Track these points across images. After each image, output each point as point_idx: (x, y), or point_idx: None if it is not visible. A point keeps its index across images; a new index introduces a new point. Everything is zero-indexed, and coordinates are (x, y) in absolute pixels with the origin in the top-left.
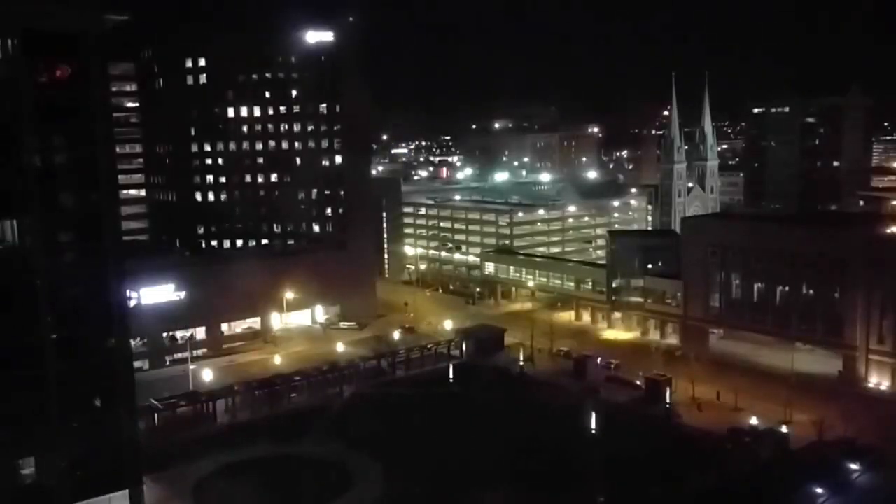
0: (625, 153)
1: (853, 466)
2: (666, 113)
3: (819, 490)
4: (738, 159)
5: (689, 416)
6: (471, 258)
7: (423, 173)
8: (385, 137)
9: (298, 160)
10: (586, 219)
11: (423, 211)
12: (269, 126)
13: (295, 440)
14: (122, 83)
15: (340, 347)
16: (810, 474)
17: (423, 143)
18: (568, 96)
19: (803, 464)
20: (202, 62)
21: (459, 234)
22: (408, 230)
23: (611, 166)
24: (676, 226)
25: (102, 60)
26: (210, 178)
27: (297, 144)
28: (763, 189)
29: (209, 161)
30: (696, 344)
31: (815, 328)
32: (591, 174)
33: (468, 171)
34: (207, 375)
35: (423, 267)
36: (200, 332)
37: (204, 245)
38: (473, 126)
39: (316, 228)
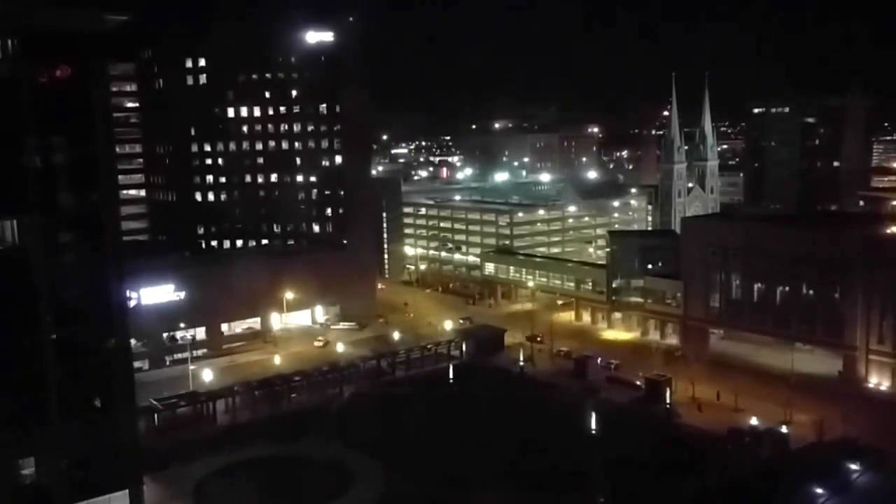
0: (625, 153)
1: (853, 466)
2: (666, 113)
3: (819, 490)
4: (738, 159)
5: (689, 416)
6: (471, 258)
7: (423, 173)
8: (385, 137)
9: (298, 160)
10: (586, 219)
11: (423, 211)
12: (269, 126)
13: (295, 440)
14: (122, 83)
15: (340, 347)
16: (810, 474)
17: (423, 143)
18: (568, 96)
19: (803, 464)
20: (202, 62)
21: (459, 234)
22: (408, 230)
23: (611, 166)
24: (676, 226)
25: (102, 60)
26: (210, 178)
27: (297, 144)
28: (763, 189)
29: (209, 161)
30: (696, 344)
31: (815, 328)
32: (591, 174)
33: (468, 171)
34: (207, 375)
35: (423, 267)
36: (200, 332)
37: (204, 245)
38: (473, 126)
39: (316, 228)
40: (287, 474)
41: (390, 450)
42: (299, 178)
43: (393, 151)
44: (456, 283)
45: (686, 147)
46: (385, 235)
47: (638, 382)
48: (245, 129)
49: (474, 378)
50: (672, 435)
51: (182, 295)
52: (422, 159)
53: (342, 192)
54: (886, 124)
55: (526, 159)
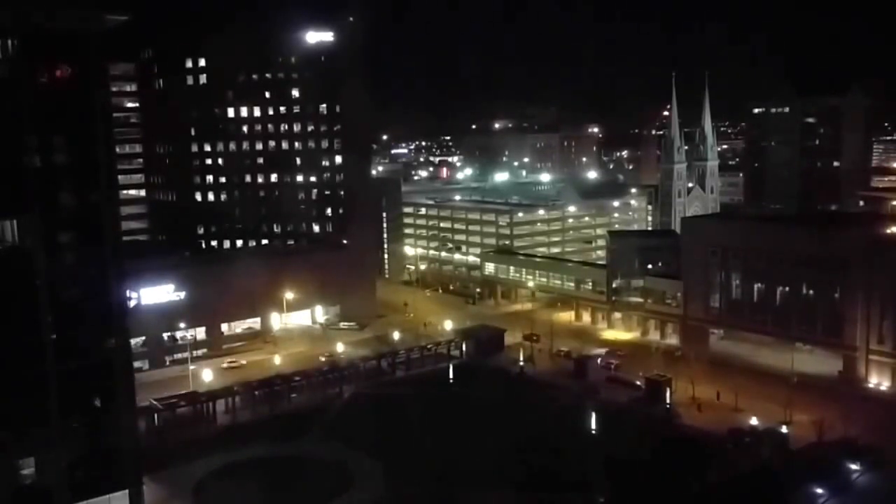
0: (625, 153)
1: (853, 466)
2: (666, 113)
3: (819, 490)
4: (738, 159)
5: (689, 416)
6: (471, 258)
7: (423, 173)
8: (385, 137)
9: (298, 160)
10: (586, 219)
11: (423, 211)
12: (269, 126)
13: (295, 440)
14: (122, 83)
15: (340, 347)
16: (810, 474)
17: (423, 143)
18: (568, 96)
19: (803, 464)
20: (202, 62)
21: (459, 234)
22: (408, 230)
23: (611, 166)
24: (676, 226)
25: (102, 60)
26: (210, 178)
27: (297, 144)
28: (763, 189)
29: (209, 161)
30: (696, 344)
31: (815, 328)
32: (591, 174)
33: (468, 171)
34: (207, 375)
35: (423, 267)
36: (200, 333)
37: (204, 245)
38: (473, 126)
39: (316, 228)
40: (287, 474)
41: (390, 450)
42: (299, 178)
43: (393, 151)
44: (456, 283)
45: (686, 147)
46: (385, 235)
47: (638, 382)
48: (245, 129)
49: (474, 378)
50: (672, 435)
51: (182, 295)
52: (422, 159)
53: (342, 192)
54: (886, 124)
55: (526, 159)
